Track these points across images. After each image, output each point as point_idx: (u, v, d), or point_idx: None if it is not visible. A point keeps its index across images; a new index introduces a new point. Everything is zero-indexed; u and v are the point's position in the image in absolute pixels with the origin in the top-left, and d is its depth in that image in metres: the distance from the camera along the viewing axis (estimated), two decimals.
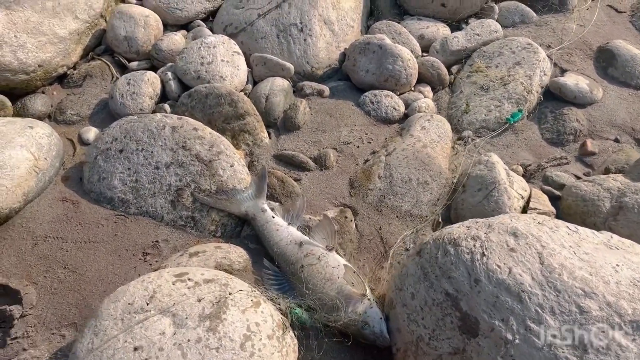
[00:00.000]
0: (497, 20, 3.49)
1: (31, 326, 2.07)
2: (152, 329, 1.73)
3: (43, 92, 3.14)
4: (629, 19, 3.55)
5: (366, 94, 3.09)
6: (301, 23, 3.27)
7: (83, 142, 2.88)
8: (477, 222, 1.90)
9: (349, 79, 3.26)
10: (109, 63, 3.30)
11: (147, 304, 1.81)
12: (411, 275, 1.88)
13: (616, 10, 3.62)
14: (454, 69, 3.30)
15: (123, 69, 3.32)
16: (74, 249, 2.33)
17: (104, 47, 3.41)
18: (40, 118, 2.99)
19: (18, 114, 3.00)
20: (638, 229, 2.23)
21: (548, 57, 3.15)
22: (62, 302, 2.14)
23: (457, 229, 1.89)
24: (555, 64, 3.18)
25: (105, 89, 3.18)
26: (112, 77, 3.25)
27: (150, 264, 2.28)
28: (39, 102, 3.03)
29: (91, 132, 2.91)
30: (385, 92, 3.07)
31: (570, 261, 1.66)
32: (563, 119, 2.90)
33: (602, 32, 3.40)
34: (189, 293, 1.84)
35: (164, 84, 3.08)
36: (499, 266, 1.69)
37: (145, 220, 2.45)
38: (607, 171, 2.66)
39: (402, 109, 3.03)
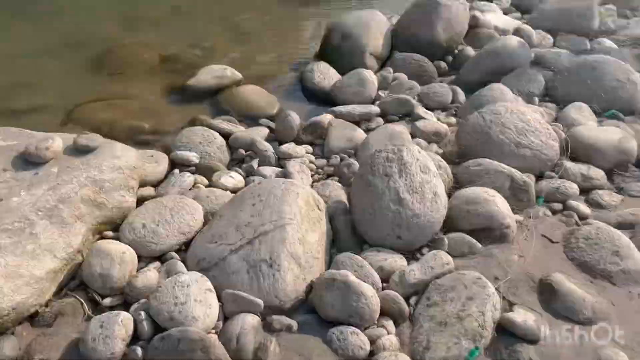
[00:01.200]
0: (447, 251, 3.83)
1: None
2: None
3: (12, 333, 3.14)
4: (563, 250, 3.94)
5: (333, 330, 3.24)
6: (271, 259, 3.51)
7: None
8: None
9: (315, 310, 3.43)
10: (82, 300, 3.38)
11: None
12: None
13: (550, 240, 4.00)
14: (413, 300, 3.53)
15: (95, 305, 3.40)
16: None
17: (78, 282, 3.52)
18: None
19: None
20: None
21: (496, 289, 3.43)
22: None
23: None
24: (503, 297, 3.45)
25: (76, 328, 3.21)
26: (84, 314, 3.32)
27: None
28: (7, 347, 3.01)
29: None
30: (351, 328, 3.23)
31: None
32: (517, 357, 3.09)
33: (541, 263, 3.73)
34: None
35: (136, 323, 3.16)
36: None
37: None
38: None
39: (368, 347, 3.16)
